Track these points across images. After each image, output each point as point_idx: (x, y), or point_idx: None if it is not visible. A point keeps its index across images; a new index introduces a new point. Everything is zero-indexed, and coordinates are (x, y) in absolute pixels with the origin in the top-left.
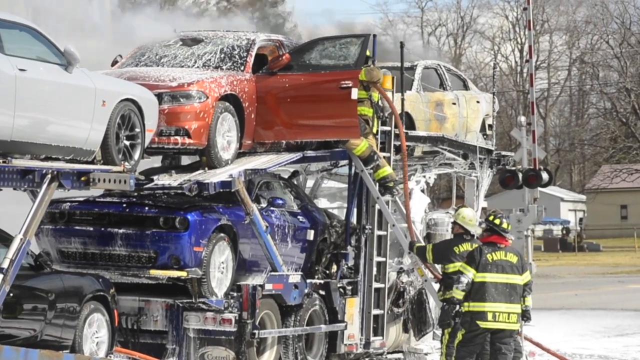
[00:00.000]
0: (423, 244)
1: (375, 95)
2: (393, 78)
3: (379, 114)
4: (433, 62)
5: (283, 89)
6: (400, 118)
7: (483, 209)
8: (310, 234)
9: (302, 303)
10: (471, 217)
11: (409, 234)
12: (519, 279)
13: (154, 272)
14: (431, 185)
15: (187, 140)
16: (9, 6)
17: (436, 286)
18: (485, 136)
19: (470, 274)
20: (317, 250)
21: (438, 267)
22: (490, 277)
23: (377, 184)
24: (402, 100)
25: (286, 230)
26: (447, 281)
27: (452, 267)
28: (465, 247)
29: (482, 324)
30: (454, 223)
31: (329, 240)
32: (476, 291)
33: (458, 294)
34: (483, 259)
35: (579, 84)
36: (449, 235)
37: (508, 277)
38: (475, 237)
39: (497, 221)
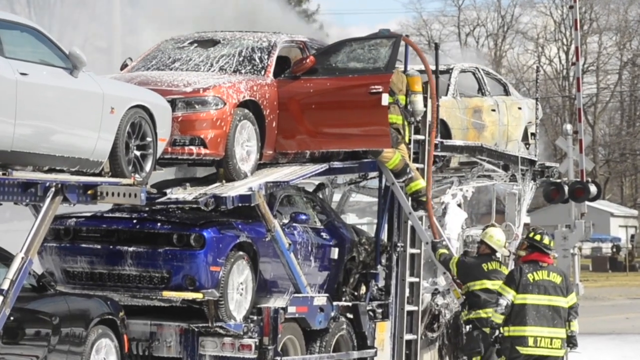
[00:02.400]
0: (447, 251)
1: (402, 99)
2: (425, 81)
3: (409, 119)
4: (471, 64)
5: (307, 95)
6: (435, 126)
7: (525, 225)
8: (337, 253)
9: (328, 327)
10: (499, 238)
11: (430, 228)
12: (563, 301)
13: (167, 294)
14: (469, 199)
15: (203, 151)
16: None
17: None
18: (527, 146)
19: (509, 296)
20: (345, 270)
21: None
22: (531, 299)
23: (410, 198)
24: (437, 106)
25: (310, 248)
26: (473, 299)
27: (478, 285)
28: (494, 265)
29: (522, 350)
30: (481, 242)
31: (357, 259)
32: (516, 314)
33: (497, 317)
34: (524, 279)
35: (631, 89)
36: None
37: (551, 299)
38: (502, 260)
39: (537, 237)
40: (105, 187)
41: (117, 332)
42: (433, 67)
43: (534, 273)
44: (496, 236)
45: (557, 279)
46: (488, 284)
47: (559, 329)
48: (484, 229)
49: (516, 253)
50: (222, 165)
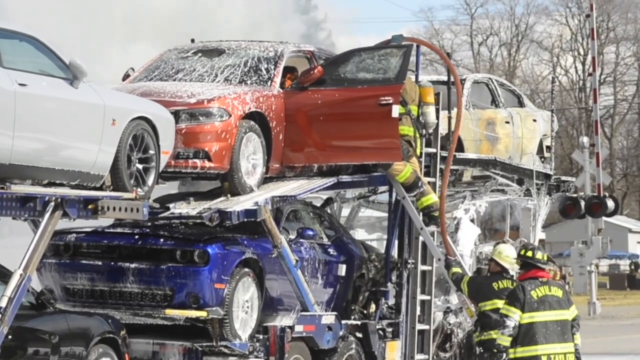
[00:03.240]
0: (460, 270)
1: (415, 110)
2: (438, 93)
3: (420, 131)
4: (484, 75)
5: (315, 106)
6: (447, 138)
7: (540, 241)
8: (345, 269)
9: (336, 347)
10: (509, 254)
11: (443, 244)
12: (568, 314)
13: (170, 312)
14: (482, 214)
15: (207, 164)
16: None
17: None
18: (542, 159)
19: (516, 316)
20: (353, 288)
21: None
22: (539, 317)
23: (421, 213)
24: (449, 118)
25: (318, 265)
26: (484, 320)
27: (490, 305)
28: (505, 284)
29: None
30: (491, 260)
31: (366, 276)
32: (524, 334)
33: (504, 340)
34: (528, 297)
35: None
36: None
37: (557, 314)
38: (514, 277)
39: (529, 254)
40: (107, 201)
41: (118, 351)
42: (446, 78)
43: (537, 290)
44: (505, 252)
45: (559, 293)
46: (499, 303)
47: (569, 344)
48: (494, 246)
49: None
50: (227, 179)
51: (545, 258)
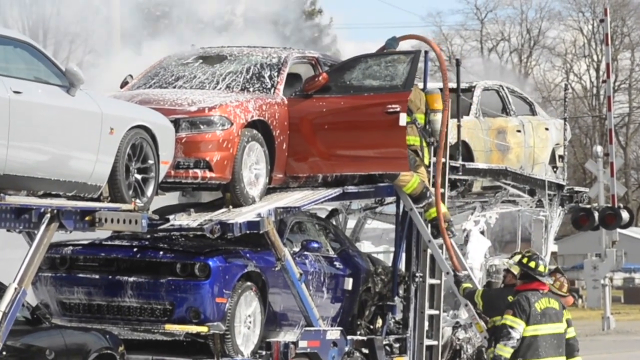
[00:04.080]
0: (471, 285)
1: (421, 118)
2: (447, 98)
3: (428, 140)
4: (494, 82)
5: (320, 114)
6: (457, 148)
7: (553, 253)
8: (351, 283)
9: None
10: None
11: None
12: (562, 327)
13: (170, 327)
14: (492, 226)
15: (209, 174)
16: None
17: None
18: (555, 169)
19: (520, 328)
20: (359, 302)
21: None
22: (542, 329)
23: (429, 224)
24: (459, 127)
25: (323, 279)
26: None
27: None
28: None
29: None
30: (507, 271)
31: (373, 290)
32: (528, 347)
33: (506, 351)
34: (533, 309)
35: None
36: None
37: (555, 327)
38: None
39: (532, 264)
40: (104, 213)
41: None
42: (452, 85)
43: (540, 302)
44: None
45: (556, 305)
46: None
47: (563, 357)
48: (510, 257)
49: None
50: (228, 189)
51: (547, 270)
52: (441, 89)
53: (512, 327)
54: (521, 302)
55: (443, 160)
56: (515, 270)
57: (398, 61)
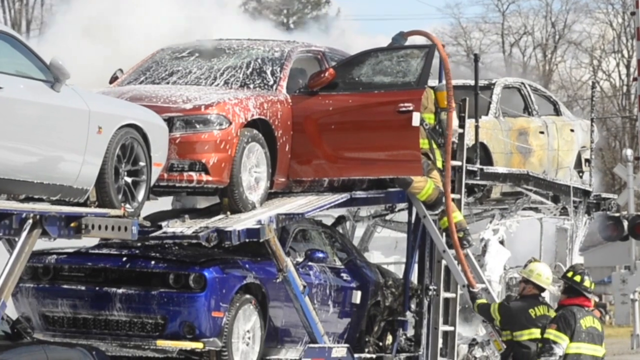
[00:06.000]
0: (486, 301)
1: (430, 118)
2: (464, 99)
3: (438, 142)
4: (516, 80)
5: (326, 113)
6: (474, 150)
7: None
8: (359, 296)
9: None
10: (547, 274)
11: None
12: (602, 352)
13: (162, 343)
14: (512, 235)
15: (205, 177)
16: None
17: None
18: (581, 174)
19: (564, 343)
20: (368, 317)
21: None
22: (585, 349)
23: (444, 233)
24: (477, 127)
25: (328, 292)
26: (521, 351)
27: (527, 335)
28: (542, 310)
29: None
30: (526, 282)
31: (382, 304)
32: None
33: None
34: (577, 326)
35: None
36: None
37: (596, 349)
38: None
39: (577, 278)
40: (91, 219)
41: None
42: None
43: (585, 319)
44: (545, 274)
45: (599, 326)
46: (537, 332)
47: None
48: (525, 266)
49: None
50: (226, 194)
51: (593, 287)
52: (475, 89)
53: (555, 342)
54: (567, 317)
55: (458, 163)
56: (545, 284)
57: (411, 56)
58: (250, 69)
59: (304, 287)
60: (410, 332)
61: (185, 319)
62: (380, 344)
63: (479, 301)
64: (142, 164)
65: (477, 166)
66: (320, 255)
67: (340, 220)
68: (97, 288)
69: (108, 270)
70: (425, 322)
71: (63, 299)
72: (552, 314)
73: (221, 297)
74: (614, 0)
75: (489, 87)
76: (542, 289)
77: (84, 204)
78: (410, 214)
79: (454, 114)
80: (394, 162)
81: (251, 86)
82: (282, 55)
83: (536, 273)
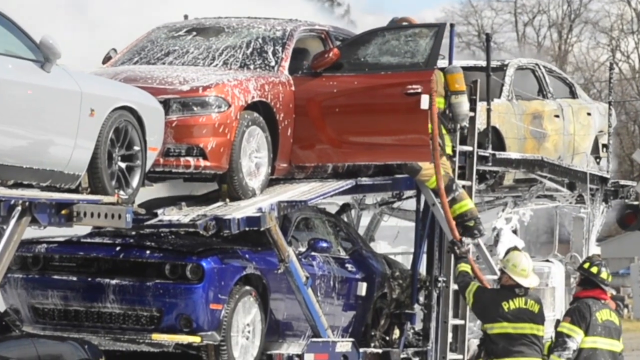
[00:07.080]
0: (470, 271)
1: (439, 102)
2: (475, 80)
3: (448, 126)
4: (530, 61)
5: (330, 96)
6: (486, 134)
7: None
8: (365, 288)
9: None
10: (524, 266)
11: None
12: (619, 347)
13: (157, 337)
14: (526, 224)
15: (203, 163)
16: None
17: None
18: (598, 160)
19: (579, 337)
20: (374, 310)
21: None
22: (601, 343)
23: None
24: (488, 110)
25: (333, 283)
26: (490, 346)
27: (498, 329)
28: (517, 303)
29: None
30: (502, 271)
31: (389, 296)
32: None
33: None
34: (593, 319)
35: None
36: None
37: (613, 343)
38: (529, 292)
39: (594, 270)
40: (83, 206)
41: None
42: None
43: (601, 312)
44: (521, 266)
45: (617, 320)
46: (509, 328)
47: None
48: (505, 254)
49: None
50: (225, 180)
51: (610, 279)
52: (487, 71)
53: (569, 336)
54: (581, 309)
55: (469, 148)
56: (519, 277)
57: (420, 35)
58: (250, 49)
59: (307, 278)
60: (419, 325)
61: (182, 312)
62: (387, 338)
63: (462, 267)
64: (136, 148)
65: (489, 151)
66: (324, 244)
67: (345, 208)
68: (89, 279)
69: (101, 260)
70: (434, 315)
71: (53, 290)
72: (536, 308)
73: (220, 288)
74: None
75: (502, 69)
76: (518, 282)
77: (76, 191)
78: (418, 202)
79: (465, 97)
80: (401, 147)
81: (251, 67)
82: (284, 35)
83: (511, 264)
